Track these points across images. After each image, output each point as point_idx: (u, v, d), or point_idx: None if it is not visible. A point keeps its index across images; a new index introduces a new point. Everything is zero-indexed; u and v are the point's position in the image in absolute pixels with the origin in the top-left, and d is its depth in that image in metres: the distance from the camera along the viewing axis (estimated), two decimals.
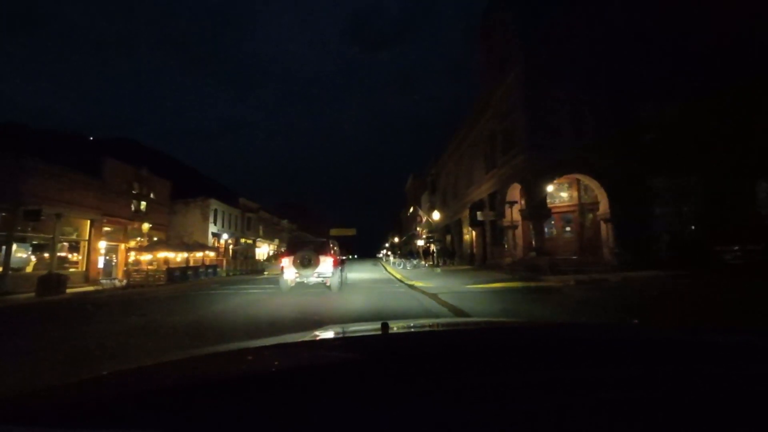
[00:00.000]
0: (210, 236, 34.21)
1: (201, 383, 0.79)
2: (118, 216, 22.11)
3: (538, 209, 14.08)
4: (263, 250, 49.87)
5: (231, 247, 37.57)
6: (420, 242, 49.03)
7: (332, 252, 11.74)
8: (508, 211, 16.85)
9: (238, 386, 0.73)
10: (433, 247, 35.97)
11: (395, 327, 1.28)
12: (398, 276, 17.32)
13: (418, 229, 50.00)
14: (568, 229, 15.78)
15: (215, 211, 35.62)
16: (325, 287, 11.43)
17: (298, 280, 11.32)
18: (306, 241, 13.80)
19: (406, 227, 69.72)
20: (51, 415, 0.66)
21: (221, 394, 0.68)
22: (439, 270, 19.22)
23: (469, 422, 0.60)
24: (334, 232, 75.61)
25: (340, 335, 1.44)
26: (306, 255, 11.11)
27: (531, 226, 16.54)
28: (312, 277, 11.16)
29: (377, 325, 1.13)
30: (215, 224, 35.47)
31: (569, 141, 13.93)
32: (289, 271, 11.21)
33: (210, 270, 24.54)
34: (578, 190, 15.56)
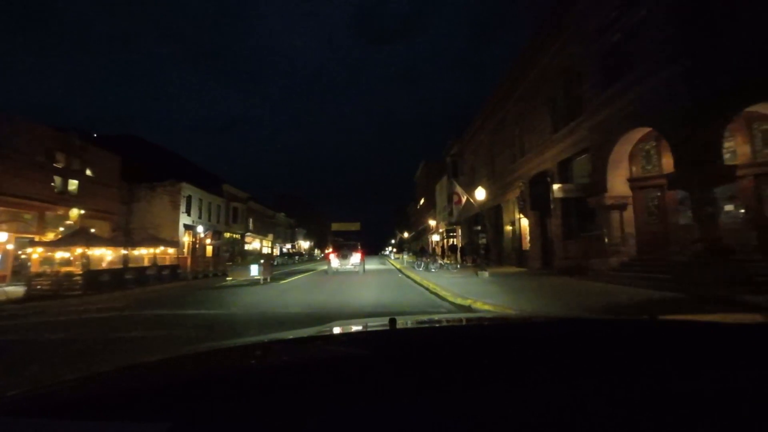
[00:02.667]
0: (181, 228, 27.90)
1: (210, 377, 0.78)
2: (28, 197, 15.78)
3: (705, 167, 7.52)
4: (254, 246, 43.54)
5: (208, 242, 31.12)
6: (435, 237, 42.41)
7: (359, 250, 18.75)
8: (612, 180, 10.31)
9: (247, 380, 0.73)
10: (457, 242, 29.43)
11: (403, 322, 1.27)
12: (428, 284, 10.87)
13: (431, 222, 43.42)
14: (728, 208, 9.18)
15: (189, 198, 29.23)
16: (354, 272, 17.98)
17: (339, 268, 18.38)
18: (344, 244, 20.45)
19: (414, 222, 63.17)
20: (63, 408, 0.66)
21: (230, 388, 0.68)
22: (486, 275, 12.74)
23: (476, 418, 0.59)
24: (335, 226, 69.45)
25: (349, 330, 1.41)
26: (345, 252, 18.72)
27: (668, 202, 10.01)
28: (348, 265, 18.39)
29: (385, 320, 1.11)
30: (189, 214, 29.12)
31: (750, 48, 7.30)
32: (334, 261, 18.53)
33: (166, 272, 18.19)
34: (750, 141, 8.97)
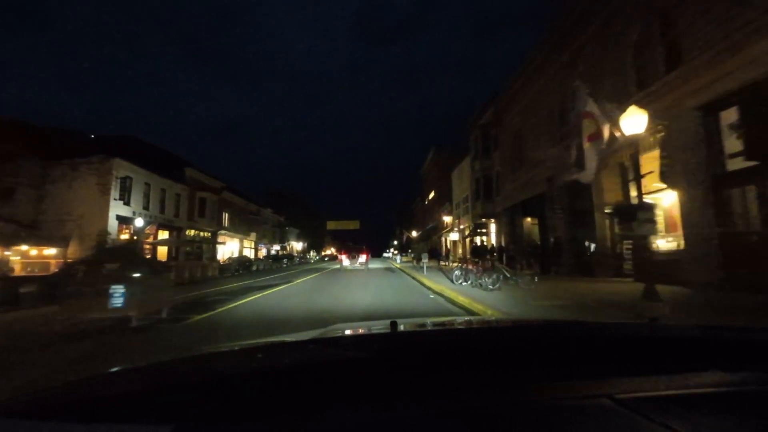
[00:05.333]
0: (113, 221, 20.17)
1: (212, 379, 0.77)
2: None
3: None
4: (231, 246, 35.79)
5: (150, 239, 23.15)
6: (453, 236, 34.65)
7: (365, 252, 27.23)
8: None
9: (249, 383, 0.73)
10: (488, 242, 21.45)
11: (404, 325, 1.26)
12: None
13: (445, 218, 35.68)
14: None
15: (127, 180, 21.45)
16: (360, 269, 24.08)
17: (348, 266, 25.43)
18: (353, 247, 29.77)
19: (421, 219, 55.46)
20: (65, 410, 0.65)
21: (232, 390, 0.68)
22: (667, 309, 5.09)
23: (477, 421, 0.58)
24: (331, 225, 61.51)
25: (350, 333, 1.37)
26: (353, 254, 27.33)
27: None
28: (356, 264, 26.07)
29: (387, 323, 1.11)
30: (127, 203, 21.37)
31: None
32: (345, 261, 26.51)
33: (31, 288, 10.52)
34: None
